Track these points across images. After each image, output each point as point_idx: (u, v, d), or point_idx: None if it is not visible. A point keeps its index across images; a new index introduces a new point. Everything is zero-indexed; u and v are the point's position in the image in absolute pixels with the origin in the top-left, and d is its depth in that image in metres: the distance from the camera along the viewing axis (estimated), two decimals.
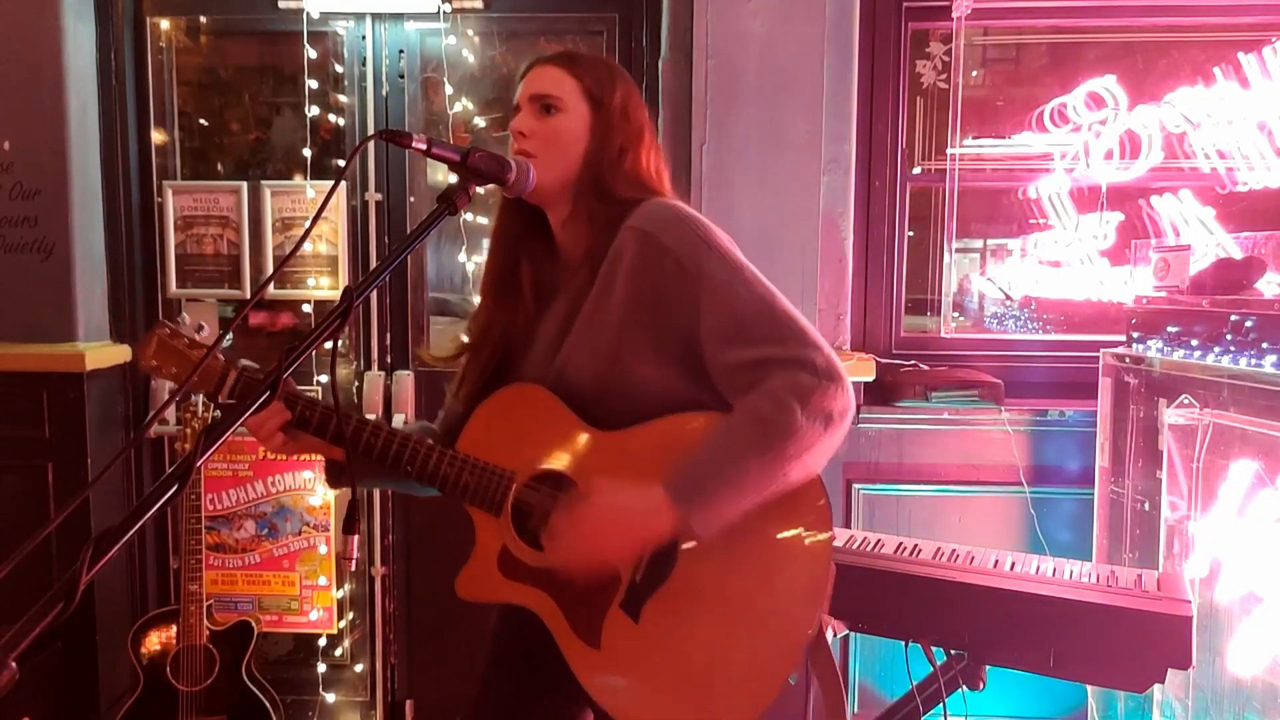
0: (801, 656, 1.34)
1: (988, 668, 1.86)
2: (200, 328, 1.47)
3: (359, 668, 3.04)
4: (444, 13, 2.84)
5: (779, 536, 1.33)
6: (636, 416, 1.35)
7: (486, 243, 1.48)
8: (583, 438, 1.37)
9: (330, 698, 2.98)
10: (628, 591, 1.32)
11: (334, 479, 1.51)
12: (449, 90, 2.89)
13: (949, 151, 2.95)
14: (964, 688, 1.85)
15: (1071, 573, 1.92)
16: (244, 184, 2.94)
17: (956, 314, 3.21)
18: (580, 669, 1.36)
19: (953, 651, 1.87)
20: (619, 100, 1.44)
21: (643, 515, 1.26)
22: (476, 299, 2.98)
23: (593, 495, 1.30)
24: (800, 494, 1.30)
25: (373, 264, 2.91)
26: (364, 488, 1.49)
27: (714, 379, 1.33)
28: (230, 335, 3.07)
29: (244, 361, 1.40)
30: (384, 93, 2.91)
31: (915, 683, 1.89)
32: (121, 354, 2.88)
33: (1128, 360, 2.51)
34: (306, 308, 2.98)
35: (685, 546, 1.31)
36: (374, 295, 2.94)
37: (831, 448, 1.28)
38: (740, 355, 1.29)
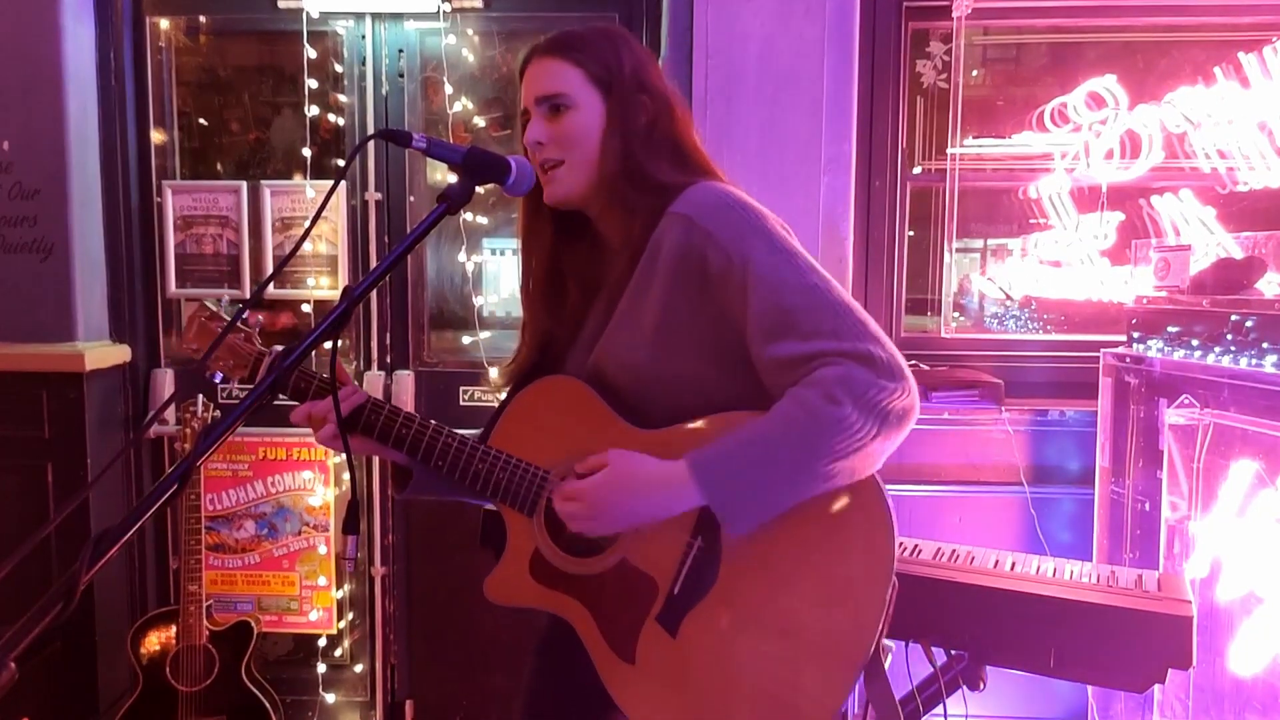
0: (854, 683, 1.22)
1: (988, 668, 1.86)
2: (241, 311, 1.47)
3: (359, 668, 3.04)
4: (443, 12, 2.83)
5: (832, 553, 1.20)
6: (678, 414, 1.26)
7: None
8: (621, 435, 1.27)
9: (330, 698, 2.98)
10: (665, 604, 1.24)
11: (399, 485, 1.43)
12: (449, 90, 2.89)
13: (949, 151, 2.94)
14: (964, 688, 1.85)
15: (1072, 573, 1.91)
16: (244, 184, 2.94)
17: (957, 314, 3.21)
18: (613, 683, 1.29)
19: (953, 652, 1.86)
20: (630, 73, 1.32)
21: (661, 483, 1.19)
22: (477, 300, 2.99)
23: (611, 460, 1.22)
24: (858, 503, 1.19)
25: (372, 264, 2.91)
26: (428, 496, 1.44)
27: (763, 377, 1.22)
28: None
29: (277, 347, 1.37)
30: (384, 92, 2.91)
31: (915, 683, 1.89)
32: (121, 354, 2.87)
33: (1128, 360, 2.51)
34: (306, 308, 2.98)
35: (727, 552, 1.22)
36: (374, 295, 2.94)
37: (886, 451, 1.16)
38: (790, 350, 1.17)
